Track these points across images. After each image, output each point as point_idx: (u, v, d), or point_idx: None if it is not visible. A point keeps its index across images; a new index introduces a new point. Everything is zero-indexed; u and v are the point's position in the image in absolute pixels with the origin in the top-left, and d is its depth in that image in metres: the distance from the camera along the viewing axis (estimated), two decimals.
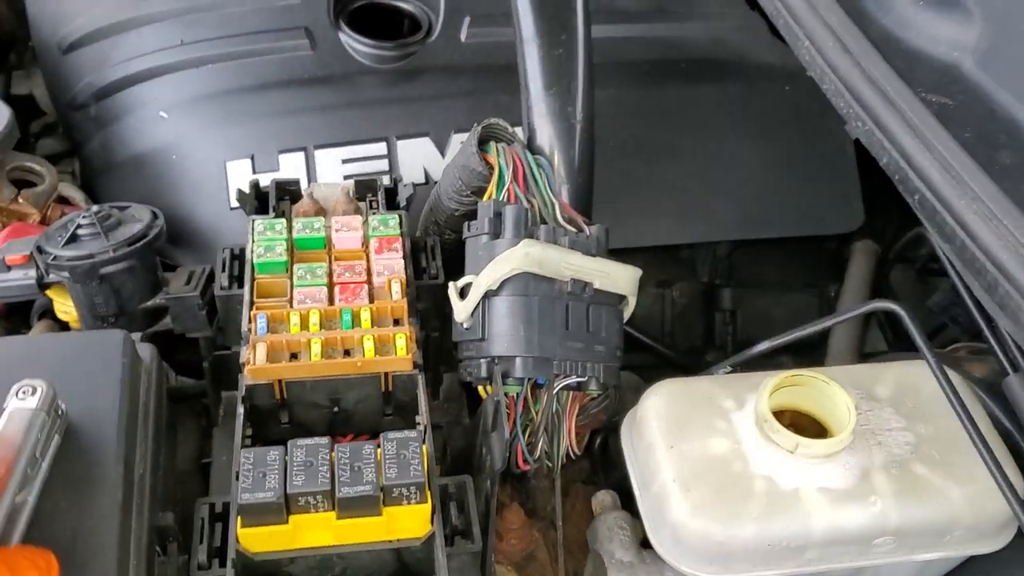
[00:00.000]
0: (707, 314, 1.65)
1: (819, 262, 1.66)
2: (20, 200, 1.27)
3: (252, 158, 1.37)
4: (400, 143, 1.38)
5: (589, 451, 1.29)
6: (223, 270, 1.12)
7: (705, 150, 1.44)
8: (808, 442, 0.94)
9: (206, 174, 1.39)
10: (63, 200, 1.41)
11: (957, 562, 1.03)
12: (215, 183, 1.37)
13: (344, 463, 0.88)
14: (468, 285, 1.07)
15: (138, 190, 1.41)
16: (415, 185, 1.24)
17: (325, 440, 0.89)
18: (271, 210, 1.17)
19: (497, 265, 1.03)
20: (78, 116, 1.50)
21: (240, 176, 1.37)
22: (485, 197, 1.11)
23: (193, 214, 1.40)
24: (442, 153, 1.38)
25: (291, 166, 1.36)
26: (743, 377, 1.06)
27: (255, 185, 1.20)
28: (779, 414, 1.02)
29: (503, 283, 1.04)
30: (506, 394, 1.06)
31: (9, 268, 1.11)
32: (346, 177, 1.36)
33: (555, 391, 1.07)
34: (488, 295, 1.05)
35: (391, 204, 1.22)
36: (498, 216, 1.07)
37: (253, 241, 1.11)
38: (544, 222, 1.11)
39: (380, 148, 1.38)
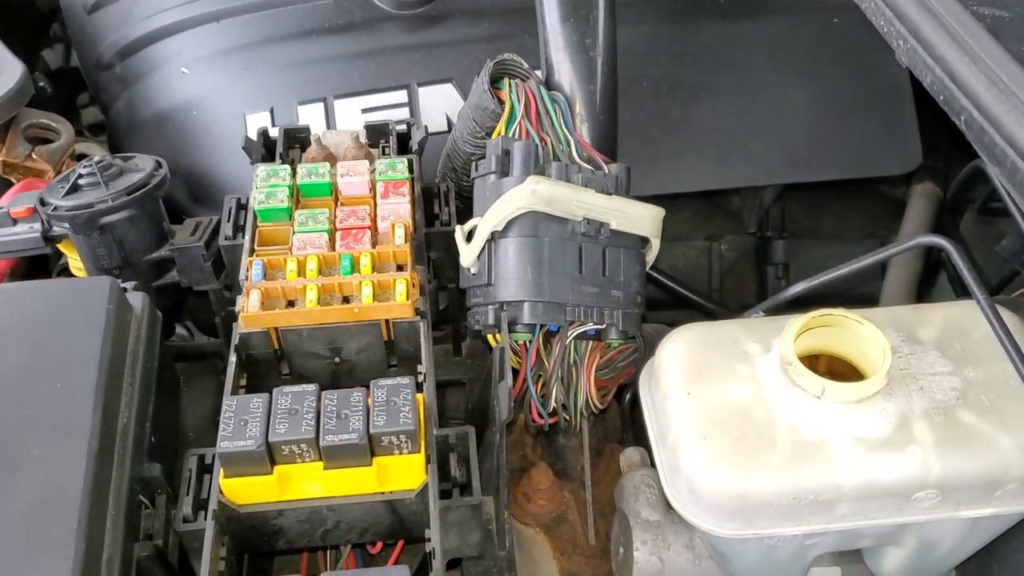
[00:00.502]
0: (759, 268, 1.57)
1: (880, 210, 1.56)
2: (34, 156, 1.25)
3: (272, 111, 1.34)
4: (422, 90, 1.32)
5: (619, 405, 1.22)
6: (228, 219, 1.08)
7: (746, 89, 1.34)
8: (837, 385, 0.86)
9: (226, 129, 1.36)
10: (83, 158, 1.39)
11: (1012, 521, 0.93)
12: (235, 137, 1.33)
13: (331, 411, 0.83)
14: (475, 228, 1.01)
15: (161, 148, 1.38)
16: (433, 133, 1.19)
17: (313, 387, 0.85)
18: (278, 158, 1.13)
19: (502, 204, 0.97)
20: (105, 77, 1.48)
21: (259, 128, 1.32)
22: (494, 135, 1.05)
23: (215, 169, 1.37)
24: (465, 99, 1.32)
25: (310, 117, 1.32)
26: (771, 320, 0.98)
27: (263, 133, 1.16)
28: (812, 359, 0.94)
29: (510, 224, 0.98)
30: (517, 342, 1.00)
31: (15, 222, 1.08)
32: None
33: (569, 339, 1.01)
34: (494, 237, 0.99)
35: (403, 149, 1.16)
36: (506, 154, 1.01)
37: (256, 188, 1.06)
38: (559, 160, 1.04)
39: (401, 96, 1.32)
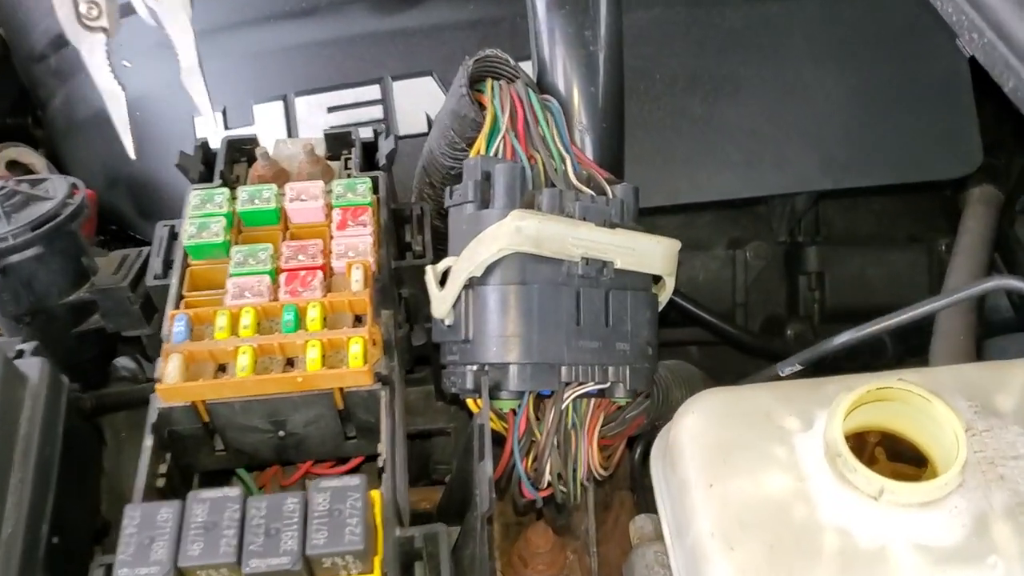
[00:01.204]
0: (789, 278, 1.39)
1: (927, 210, 1.38)
2: None
3: (224, 111, 1.15)
4: (397, 85, 1.14)
5: (628, 453, 1.05)
6: (158, 253, 0.91)
7: (778, 82, 1.16)
8: (898, 486, 0.68)
9: (173, 132, 1.18)
10: (16, 166, 1.21)
11: None
12: (183, 142, 1.15)
13: (257, 524, 0.66)
14: (449, 270, 0.82)
15: (102, 153, 1.21)
16: (409, 136, 1.01)
17: (236, 492, 0.67)
18: (217, 176, 0.94)
19: (481, 245, 0.79)
20: (39, 70, 1.30)
21: (210, 133, 1.14)
22: (473, 151, 0.87)
23: (163, 179, 1.19)
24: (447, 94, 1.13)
25: (268, 117, 1.14)
26: (812, 386, 0.79)
27: (202, 145, 0.98)
28: (862, 435, 0.76)
29: (490, 268, 0.80)
30: (502, 410, 0.82)
31: None
32: (332, 129, 1.13)
33: (566, 403, 0.83)
34: (472, 284, 0.81)
35: (371, 162, 0.98)
36: (487, 178, 0.83)
37: (188, 218, 0.88)
38: (552, 185, 0.85)
39: (373, 92, 1.14)
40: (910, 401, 0.72)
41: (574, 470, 0.86)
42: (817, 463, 0.72)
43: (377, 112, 1.14)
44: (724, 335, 1.24)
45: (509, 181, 0.81)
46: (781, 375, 0.88)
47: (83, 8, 0.65)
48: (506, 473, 0.84)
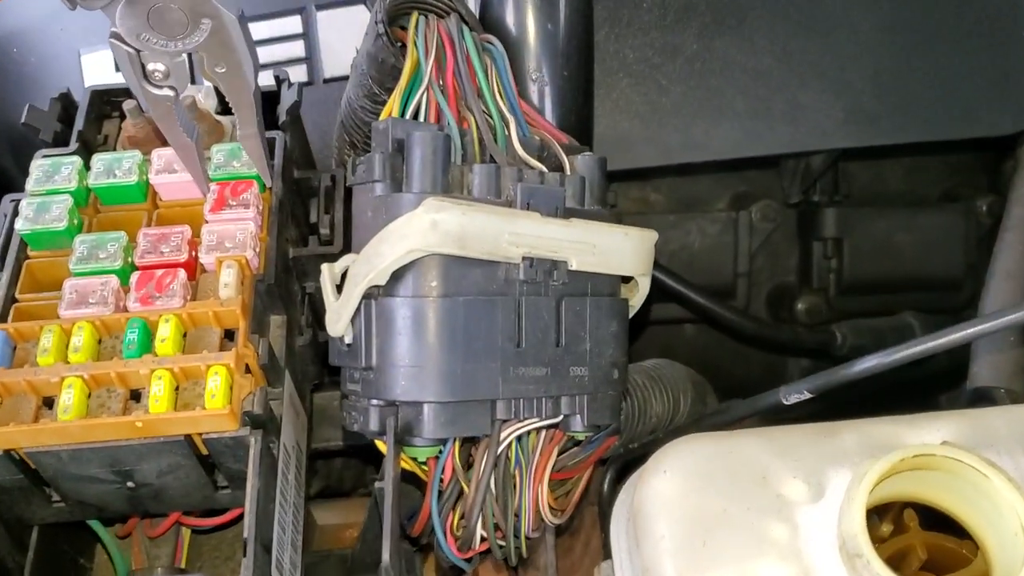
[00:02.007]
0: (802, 244, 1.17)
1: (965, 162, 1.16)
2: None
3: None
4: (322, 15, 0.92)
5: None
6: None
7: (791, 11, 0.94)
8: None
9: (56, 71, 0.98)
10: None
11: None
12: (68, 82, 0.95)
13: None
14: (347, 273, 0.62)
15: None
16: (334, 79, 0.80)
17: None
18: (74, 139, 0.74)
19: (384, 244, 0.59)
20: None
21: (99, 73, 0.94)
22: (385, 110, 0.66)
23: None
24: None
25: None
26: (822, 433, 0.59)
27: (61, 98, 0.78)
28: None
29: (399, 273, 0.59)
30: (416, 460, 0.63)
31: None
32: None
33: (503, 446, 0.64)
34: (376, 294, 0.60)
35: (273, 119, 0.77)
36: (399, 149, 0.62)
37: (27, 197, 0.69)
38: (489, 158, 0.65)
39: (293, 24, 0.93)
40: (959, 473, 0.53)
41: (518, 524, 0.67)
42: (827, 552, 0.53)
43: (298, 49, 0.92)
44: (717, 319, 1.03)
45: (428, 154, 0.61)
46: (785, 403, 0.68)
47: (149, 67, 0.62)
48: (427, 530, 0.65)
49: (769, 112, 0.94)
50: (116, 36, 0.61)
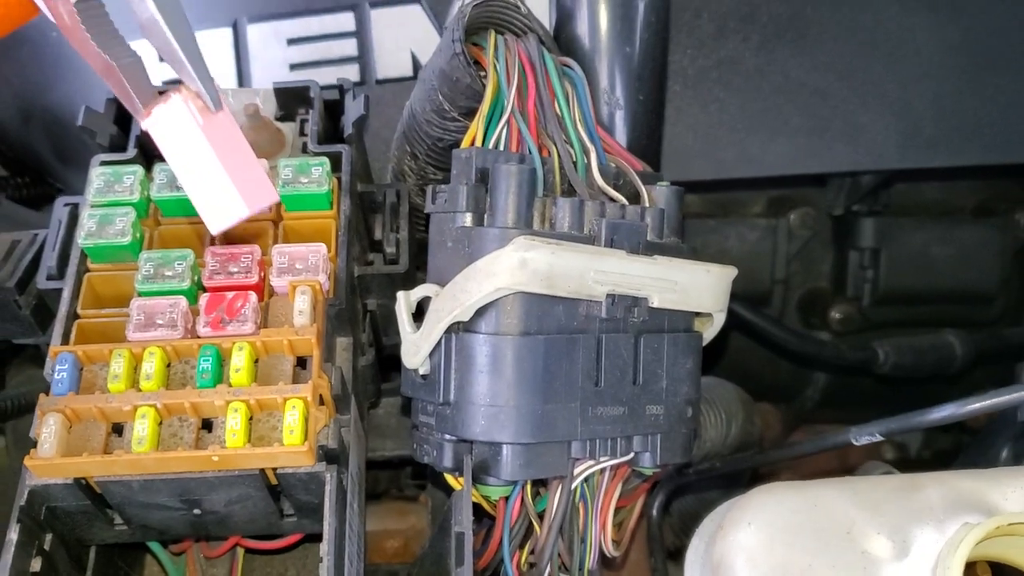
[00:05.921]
0: (838, 253, 1.17)
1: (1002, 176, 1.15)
2: None
3: None
4: (376, 13, 0.90)
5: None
6: (53, 245, 0.69)
7: (853, 28, 0.92)
8: None
9: None
10: None
11: None
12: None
13: None
14: (426, 303, 0.61)
15: (14, 81, 0.98)
16: (388, 80, 0.78)
17: None
18: (131, 147, 0.72)
19: (471, 282, 0.57)
20: None
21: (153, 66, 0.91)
22: (467, 138, 0.64)
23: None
24: (440, 29, 0.89)
25: (212, 50, 0.90)
26: (904, 488, 0.59)
27: (116, 99, 0.75)
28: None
29: (483, 311, 0.58)
30: (488, 499, 0.62)
31: None
32: (293, 68, 0.90)
33: (575, 484, 0.63)
34: (457, 329, 0.59)
35: (334, 128, 0.75)
36: (483, 179, 0.60)
37: (88, 207, 0.67)
38: (571, 191, 0.63)
39: (346, 21, 0.90)
40: None
41: (581, 557, 0.66)
42: None
43: (350, 47, 0.90)
44: (760, 333, 1.03)
45: (514, 188, 0.59)
46: (855, 443, 0.67)
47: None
48: (492, 565, 0.65)
49: (827, 130, 0.92)
50: None
